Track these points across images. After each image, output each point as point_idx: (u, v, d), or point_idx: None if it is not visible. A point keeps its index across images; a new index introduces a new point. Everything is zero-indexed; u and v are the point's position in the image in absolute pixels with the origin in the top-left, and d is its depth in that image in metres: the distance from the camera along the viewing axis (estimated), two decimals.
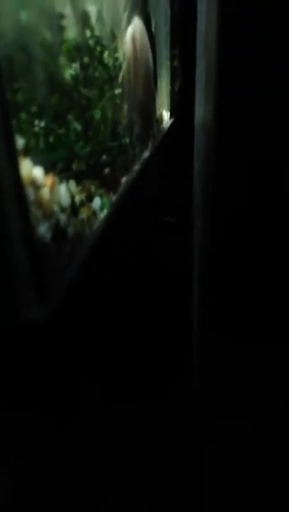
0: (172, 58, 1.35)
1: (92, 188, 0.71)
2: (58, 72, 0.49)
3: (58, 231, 0.48)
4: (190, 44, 1.20)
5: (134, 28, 0.82)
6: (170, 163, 1.45)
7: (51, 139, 0.47)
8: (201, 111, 1.26)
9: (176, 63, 1.36)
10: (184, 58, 1.37)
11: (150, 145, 1.09)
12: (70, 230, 0.52)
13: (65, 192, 0.51)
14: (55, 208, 0.48)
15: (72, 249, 0.52)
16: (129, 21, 0.79)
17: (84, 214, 0.56)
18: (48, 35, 0.44)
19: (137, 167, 0.97)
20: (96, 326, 0.79)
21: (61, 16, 0.47)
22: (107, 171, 0.79)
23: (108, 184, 0.78)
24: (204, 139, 1.25)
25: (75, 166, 0.56)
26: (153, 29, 1.04)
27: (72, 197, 0.53)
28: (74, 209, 0.53)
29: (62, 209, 0.50)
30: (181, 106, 1.43)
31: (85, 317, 0.71)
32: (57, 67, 0.48)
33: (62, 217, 0.50)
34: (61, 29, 0.48)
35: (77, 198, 0.56)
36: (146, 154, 1.05)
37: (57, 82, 0.48)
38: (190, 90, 1.26)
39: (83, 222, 0.55)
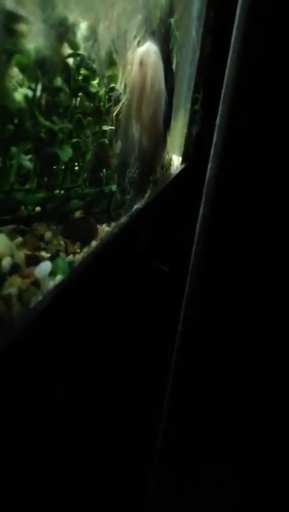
0: (194, 101, 1.24)
1: (48, 235, 0.56)
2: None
3: None
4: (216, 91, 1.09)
5: (145, 51, 0.68)
6: (173, 211, 1.32)
7: None
8: (214, 162, 1.13)
9: (197, 107, 1.25)
10: (207, 103, 1.26)
11: (148, 191, 0.95)
12: None
13: None
14: None
15: None
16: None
17: (13, 287, 0.40)
18: None
19: (126, 214, 0.82)
20: None
21: (15, 17, 0.34)
22: (77, 215, 0.64)
23: (76, 232, 0.63)
24: (213, 193, 1.11)
25: (12, 214, 0.42)
26: (174, 66, 0.93)
27: None
28: None
29: None
30: (196, 152, 1.31)
31: None
32: None
33: None
34: (13, 34, 0.34)
35: (6, 261, 0.40)
36: (141, 201, 0.91)
37: None
38: (208, 138, 1.14)
39: (8, 299, 0.39)
